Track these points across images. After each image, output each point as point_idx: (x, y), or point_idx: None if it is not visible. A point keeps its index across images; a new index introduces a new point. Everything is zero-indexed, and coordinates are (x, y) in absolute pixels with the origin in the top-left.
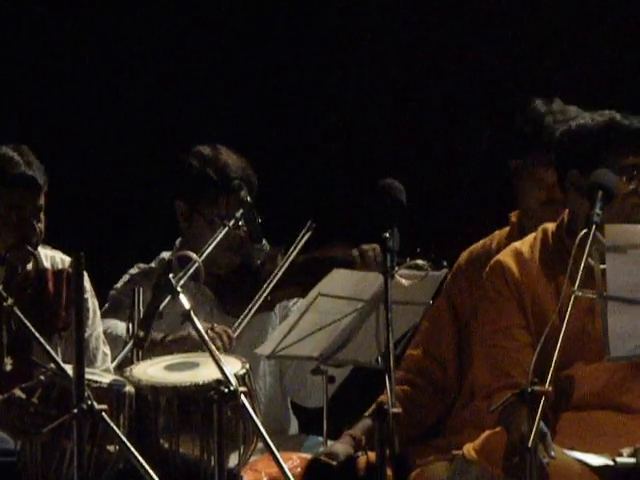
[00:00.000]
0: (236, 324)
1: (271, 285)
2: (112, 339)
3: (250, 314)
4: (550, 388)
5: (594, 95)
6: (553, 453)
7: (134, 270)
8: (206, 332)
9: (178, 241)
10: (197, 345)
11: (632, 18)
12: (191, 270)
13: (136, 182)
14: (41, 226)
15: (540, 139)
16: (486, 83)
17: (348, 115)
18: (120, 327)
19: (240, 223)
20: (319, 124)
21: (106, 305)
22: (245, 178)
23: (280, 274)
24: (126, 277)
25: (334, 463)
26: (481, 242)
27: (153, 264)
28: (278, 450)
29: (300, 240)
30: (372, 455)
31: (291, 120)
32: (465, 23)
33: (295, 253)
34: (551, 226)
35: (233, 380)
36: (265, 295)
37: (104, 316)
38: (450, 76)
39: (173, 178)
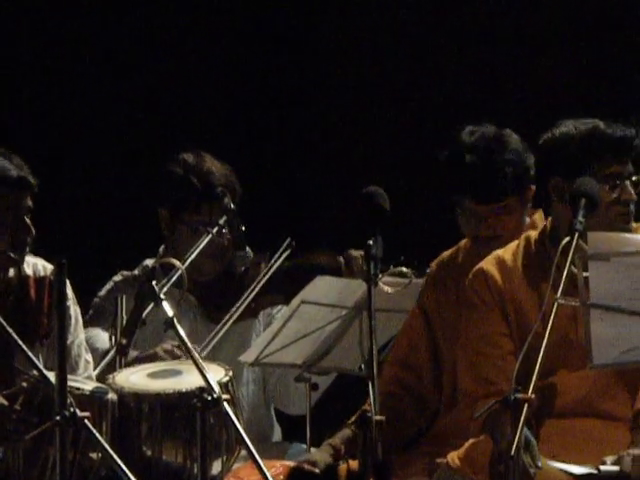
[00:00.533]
0: (216, 330)
1: (254, 292)
2: (92, 350)
3: (231, 320)
4: (533, 396)
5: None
6: (540, 463)
7: (117, 277)
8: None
9: (161, 248)
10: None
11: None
12: (174, 277)
13: (119, 189)
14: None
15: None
16: (469, 93)
17: (333, 122)
18: (101, 339)
19: (223, 230)
20: (303, 131)
21: (90, 312)
22: (229, 185)
23: (263, 281)
24: (109, 284)
25: (317, 471)
26: (449, 251)
27: (136, 271)
28: (261, 457)
29: (279, 257)
30: (353, 464)
31: (276, 127)
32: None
33: (276, 266)
34: (534, 234)
35: (216, 388)
36: (248, 302)
37: (87, 324)
38: (429, 86)
39: (156, 186)
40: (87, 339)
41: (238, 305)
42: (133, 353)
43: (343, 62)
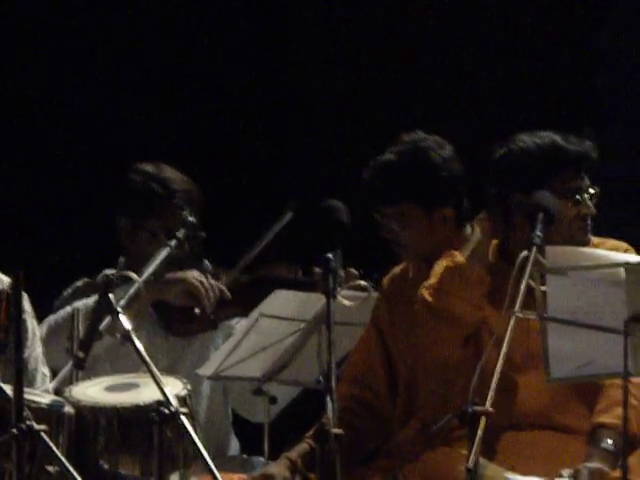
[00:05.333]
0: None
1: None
2: None
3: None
4: (491, 408)
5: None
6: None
7: (79, 282)
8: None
9: (121, 259)
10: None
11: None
12: (132, 291)
13: (77, 201)
14: None
15: None
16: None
17: (292, 132)
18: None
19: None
20: (263, 141)
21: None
22: (188, 193)
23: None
24: (71, 288)
25: None
26: (400, 266)
27: (98, 279)
28: (219, 471)
29: (278, 228)
30: (310, 477)
31: (235, 137)
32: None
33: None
34: (492, 248)
35: (174, 401)
36: (208, 314)
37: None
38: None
39: (115, 195)
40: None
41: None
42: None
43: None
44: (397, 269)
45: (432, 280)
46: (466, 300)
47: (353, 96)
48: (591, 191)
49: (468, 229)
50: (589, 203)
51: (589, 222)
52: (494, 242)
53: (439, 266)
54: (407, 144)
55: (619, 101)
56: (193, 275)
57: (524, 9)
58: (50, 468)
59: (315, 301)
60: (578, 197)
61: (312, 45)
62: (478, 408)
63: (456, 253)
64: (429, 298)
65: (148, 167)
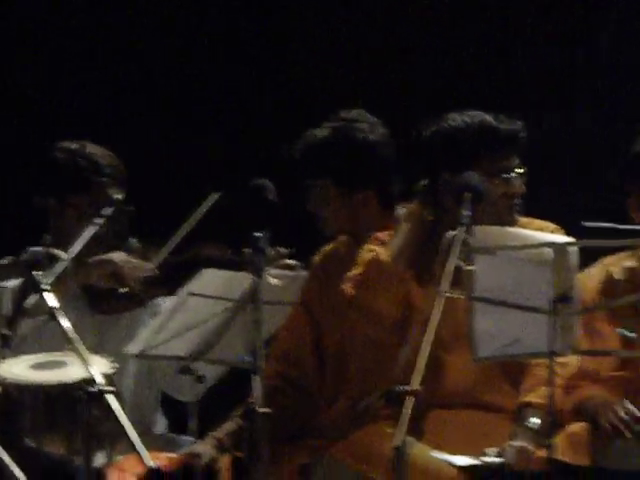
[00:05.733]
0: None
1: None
2: None
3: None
4: (418, 387)
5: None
6: None
7: (4, 260)
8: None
9: (46, 237)
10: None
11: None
12: (58, 269)
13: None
14: None
15: None
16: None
17: (221, 112)
18: None
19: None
20: (191, 119)
21: None
22: (114, 168)
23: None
24: None
25: (200, 463)
26: (331, 245)
27: (23, 257)
28: (145, 449)
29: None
30: (237, 456)
31: (162, 114)
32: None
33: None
34: (418, 225)
35: (100, 379)
36: (136, 292)
37: None
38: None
39: (40, 174)
40: None
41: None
42: None
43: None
44: (327, 247)
45: (356, 271)
46: (387, 297)
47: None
48: (519, 171)
49: (400, 210)
50: (517, 182)
51: (517, 201)
52: (425, 220)
53: (365, 253)
54: (340, 121)
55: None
56: (117, 257)
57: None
58: None
59: (243, 280)
60: (506, 176)
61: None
62: (405, 387)
63: (380, 251)
64: (351, 291)
65: (72, 144)
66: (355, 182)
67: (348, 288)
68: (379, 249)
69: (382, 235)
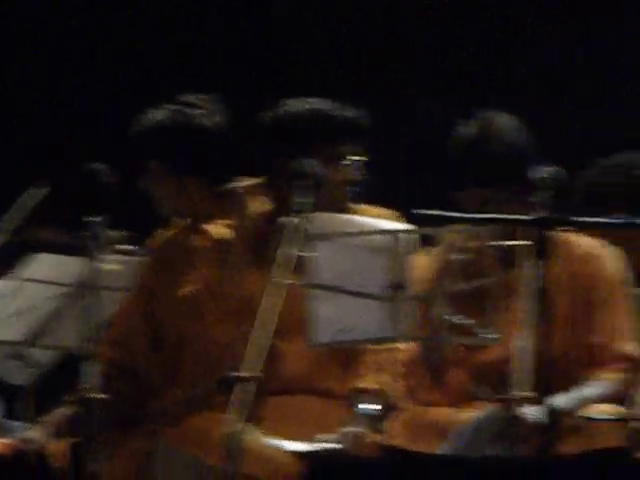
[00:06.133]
0: None
1: None
2: None
3: None
4: (253, 374)
5: None
6: None
7: None
8: None
9: None
10: None
11: None
12: None
13: None
14: None
15: None
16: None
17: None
18: None
19: None
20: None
21: None
22: None
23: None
24: None
25: (32, 448)
26: (170, 230)
27: None
28: None
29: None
30: (70, 442)
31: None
32: None
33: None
34: (258, 212)
35: None
36: None
37: None
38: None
39: None
40: None
41: None
42: None
43: None
44: (165, 233)
45: (194, 257)
46: (223, 284)
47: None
48: (356, 158)
49: (239, 197)
50: (353, 169)
51: (353, 188)
52: (265, 208)
53: (201, 240)
54: (179, 104)
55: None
56: None
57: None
58: None
59: (78, 265)
60: (343, 163)
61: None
62: (240, 374)
63: (217, 236)
64: (187, 279)
65: None
66: (185, 166)
67: (185, 276)
68: (215, 234)
69: (221, 222)
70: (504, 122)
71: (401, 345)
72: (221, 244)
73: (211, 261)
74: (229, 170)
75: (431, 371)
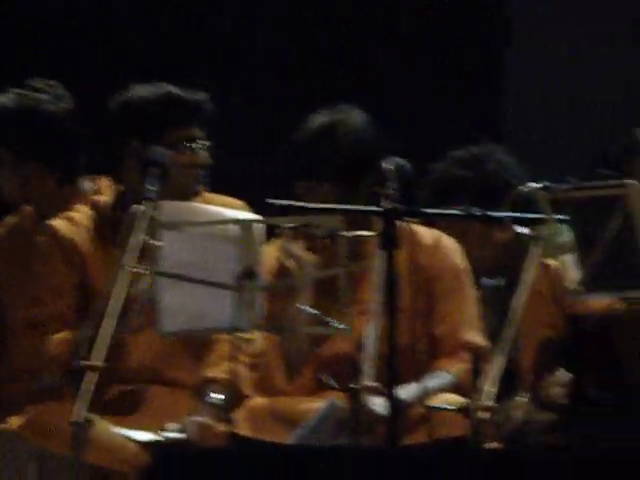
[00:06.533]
0: None
1: None
2: None
3: None
4: (99, 363)
5: None
6: None
7: None
8: None
9: None
10: None
11: None
12: None
13: None
14: None
15: None
16: None
17: None
18: None
19: None
20: None
21: None
22: None
23: None
24: None
25: None
26: (16, 217)
27: None
28: None
29: None
30: None
31: None
32: None
33: None
34: (103, 199)
35: None
36: None
37: None
38: None
39: None
40: None
41: None
42: None
43: None
44: (11, 220)
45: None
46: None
47: None
48: (204, 142)
49: (87, 185)
50: (201, 153)
51: (201, 172)
52: (114, 195)
53: (49, 228)
54: (26, 89)
55: None
56: None
57: None
58: None
59: None
60: (190, 146)
61: None
62: (86, 362)
63: (62, 225)
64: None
65: None
66: (25, 151)
67: (25, 271)
68: (61, 223)
69: (65, 215)
70: (353, 114)
71: (253, 335)
72: (64, 240)
73: (53, 257)
74: (77, 157)
75: (289, 362)
